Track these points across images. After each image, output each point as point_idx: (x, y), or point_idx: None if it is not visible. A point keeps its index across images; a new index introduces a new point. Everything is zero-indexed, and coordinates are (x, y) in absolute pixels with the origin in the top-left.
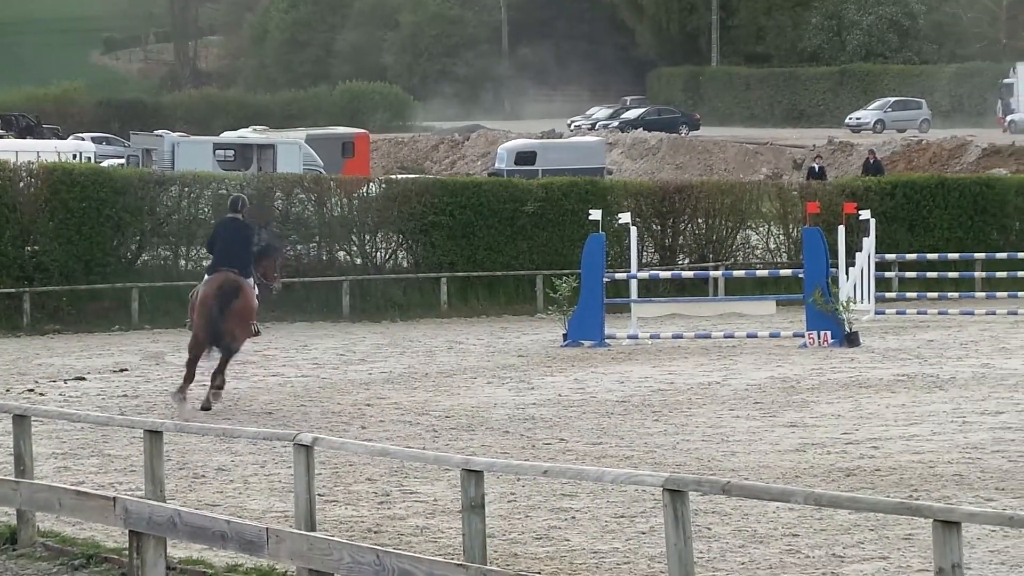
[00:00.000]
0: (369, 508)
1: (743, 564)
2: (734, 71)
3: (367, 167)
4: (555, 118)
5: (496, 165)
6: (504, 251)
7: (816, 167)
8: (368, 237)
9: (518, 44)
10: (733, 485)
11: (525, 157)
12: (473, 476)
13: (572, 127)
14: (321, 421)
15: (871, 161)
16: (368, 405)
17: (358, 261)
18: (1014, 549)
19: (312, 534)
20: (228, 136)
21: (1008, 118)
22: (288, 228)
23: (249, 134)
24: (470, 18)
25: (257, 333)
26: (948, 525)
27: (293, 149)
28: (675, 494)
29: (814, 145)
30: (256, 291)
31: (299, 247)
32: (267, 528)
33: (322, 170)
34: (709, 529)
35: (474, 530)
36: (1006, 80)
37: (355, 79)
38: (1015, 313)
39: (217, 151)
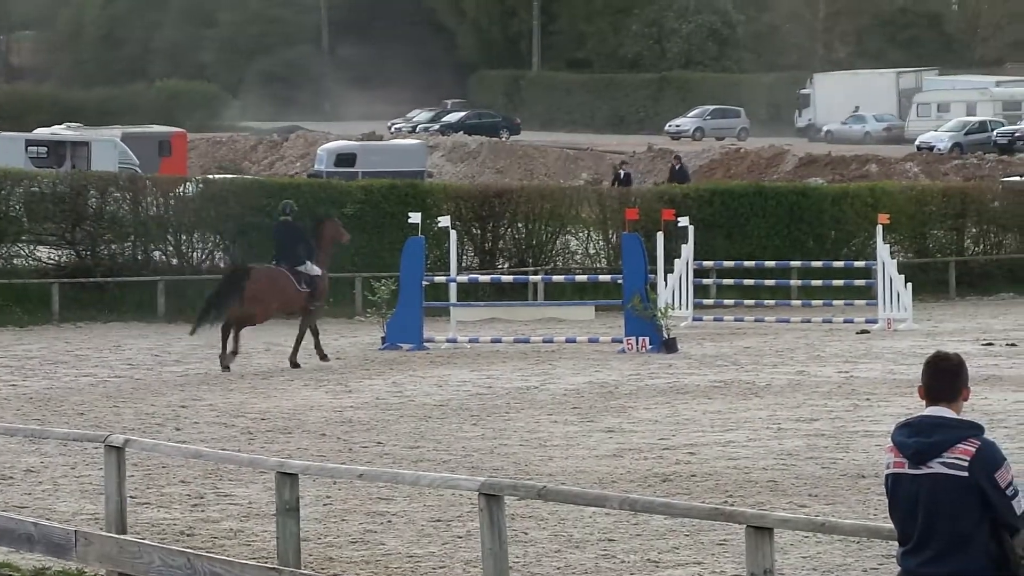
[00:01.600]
0: (182, 511)
1: (559, 569)
2: (555, 76)
3: (184, 166)
4: (376, 120)
5: (316, 167)
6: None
7: (622, 173)
8: (184, 237)
9: (339, 45)
10: (549, 490)
11: (345, 159)
12: (288, 479)
13: (393, 130)
14: (134, 423)
15: (676, 168)
16: (183, 407)
17: (174, 261)
18: (826, 555)
19: (122, 537)
20: (41, 133)
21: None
22: (102, 227)
23: (63, 131)
24: (290, 17)
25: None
26: (760, 531)
27: (108, 147)
28: (491, 498)
29: (634, 152)
30: (320, 274)
31: (113, 246)
32: (75, 531)
33: (138, 169)
34: (526, 534)
35: (288, 533)
36: (803, 91)
37: (173, 77)
38: (830, 321)
39: (29, 148)
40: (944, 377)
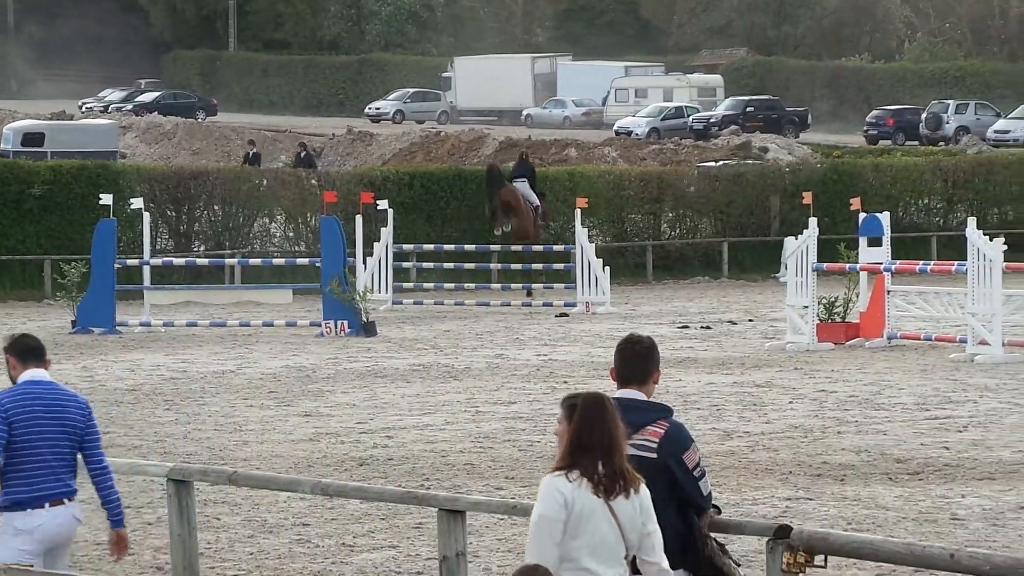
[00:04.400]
0: None
1: (251, 554)
2: (252, 57)
3: None
4: (66, 99)
5: (2, 146)
6: (9, 235)
7: (302, 154)
8: None
9: (25, 22)
10: (240, 475)
11: (32, 138)
12: None
13: (84, 109)
14: None
15: (301, 155)
16: None
17: None
18: (521, 537)
19: None
20: None
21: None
22: None
23: None
24: None
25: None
26: (452, 514)
27: None
28: (180, 484)
29: (333, 134)
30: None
31: None
32: None
33: None
34: (218, 519)
35: None
36: (444, 74)
37: None
38: (529, 305)
39: None
40: (635, 360)
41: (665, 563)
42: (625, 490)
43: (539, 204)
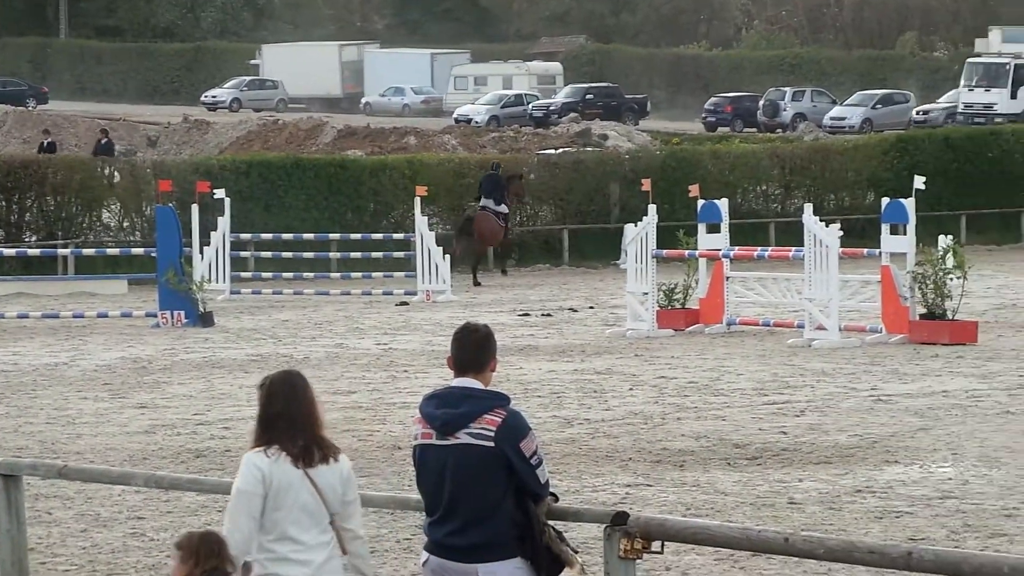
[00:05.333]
0: None
1: (84, 549)
2: (84, 44)
3: None
4: None
5: None
6: None
7: (103, 140)
8: None
9: None
10: (71, 468)
11: None
12: None
13: None
14: None
15: (102, 142)
16: None
17: None
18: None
19: None
20: None
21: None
22: None
23: None
24: None
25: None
26: None
27: None
28: (8, 479)
29: (168, 123)
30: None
31: None
32: None
33: None
34: (50, 514)
35: None
36: (252, 61)
37: None
38: (369, 293)
39: None
40: (471, 348)
41: (362, 531)
42: (324, 459)
43: (507, 212)
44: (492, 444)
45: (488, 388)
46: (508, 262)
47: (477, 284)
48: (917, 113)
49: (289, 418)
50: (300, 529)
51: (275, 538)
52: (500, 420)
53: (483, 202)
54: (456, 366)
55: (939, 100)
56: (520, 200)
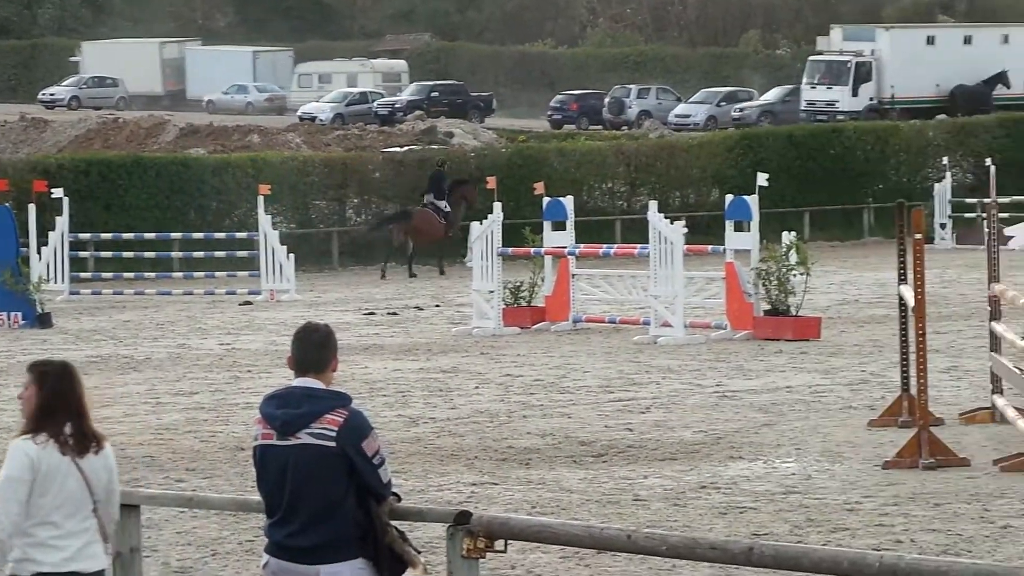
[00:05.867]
0: None
1: None
2: None
3: None
4: None
5: None
6: None
7: None
8: None
9: None
10: None
11: None
12: None
13: None
14: None
15: None
16: None
17: None
18: (202, 529)
19: None
20: None
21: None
22: None
23: None
24: None
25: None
26: (127, 508)
27: None
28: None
29: (5, 121)
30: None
31: None
32: None
33: None
34: None
35: None
36: (72, 58)
37: None
38: (212, 293)
39: None
40: (312, 348)
41: (118, 516)
42: (92, 449)
43: (449, 210)
44: (333, 444)
45: (329, 388)
46: (443, 263)
47: (413, 276)
48: (734, 111)
49: (61, 407)
50: (63, 516)
51: (36, 523)
52: (342, 420)
53: (427, 198)
54: (297, 366)
55: (758, 98)
56: (470, 205)
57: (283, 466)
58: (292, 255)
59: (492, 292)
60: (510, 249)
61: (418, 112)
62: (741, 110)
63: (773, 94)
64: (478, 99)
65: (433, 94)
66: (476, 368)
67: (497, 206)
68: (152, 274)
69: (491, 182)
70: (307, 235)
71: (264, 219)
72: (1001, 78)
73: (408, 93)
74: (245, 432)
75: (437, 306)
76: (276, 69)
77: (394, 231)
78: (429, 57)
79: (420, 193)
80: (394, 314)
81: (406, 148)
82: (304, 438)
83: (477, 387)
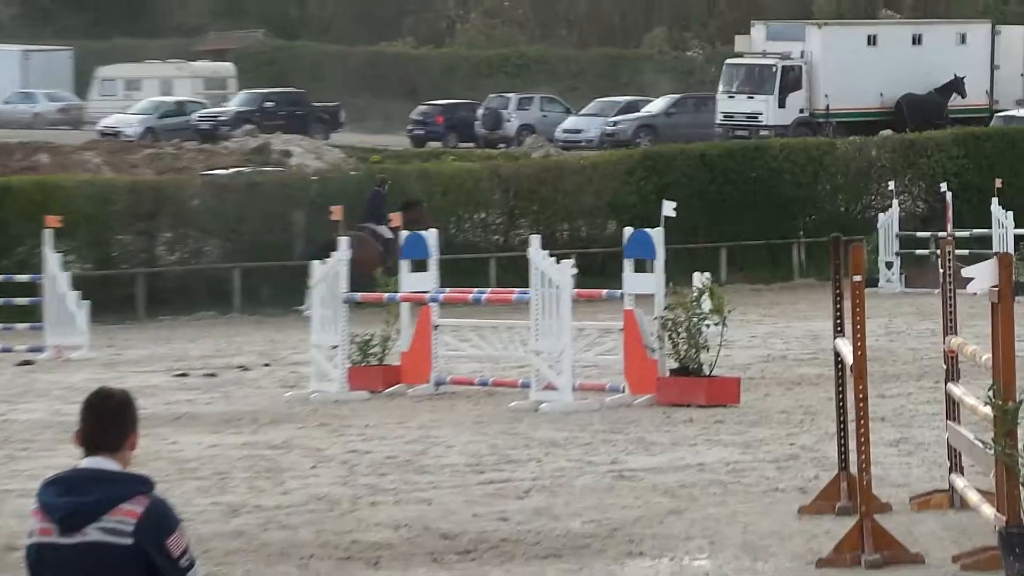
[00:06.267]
0: None
1: None
2: None
3: None
4: None
5: None
6: None
7: None
8: None
9: None
10: None
11: None
12: None
13: None
14: None
15: None
16: None
17: None
18: None
19: None
20: None
21: None
22: None
23: None
24: None
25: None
26: None
27: None
28: None
29: None
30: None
31: None
32: None
33: None
34: None
35: None
36: None
37: None
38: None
39: None
40: (104, 420)
41: None
42: None
43: (391, 236)
44: (130, 541)
45: (127, 471)
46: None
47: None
48: (606, 125)
49: None
50: None
51: None
52: (141, 511)
53: (364, 224)
54: (85, 443)
55: (587, 110)
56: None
57: (64, 571)
58: (86, 302)
59: (335, 347)
60: (358, 294)
61: (248, 126)
62: (615, 124)
63: (657, 105)
64: (322, 110)
65: (267, 104)
66: (314, 443)
67: (344, 241)
68: None
69: (336, 212)
70: (107, 278)
71: (52, 258)
72: (956, 86)
73: (236, 103)
74: (19, 526)
75: (266, 365)
76: (52, 72)
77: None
78: (262, 59)
79: (359, 218)
80: (212, 375)
81: (232, 170)
82: (92, 534)
83: (315, 467)
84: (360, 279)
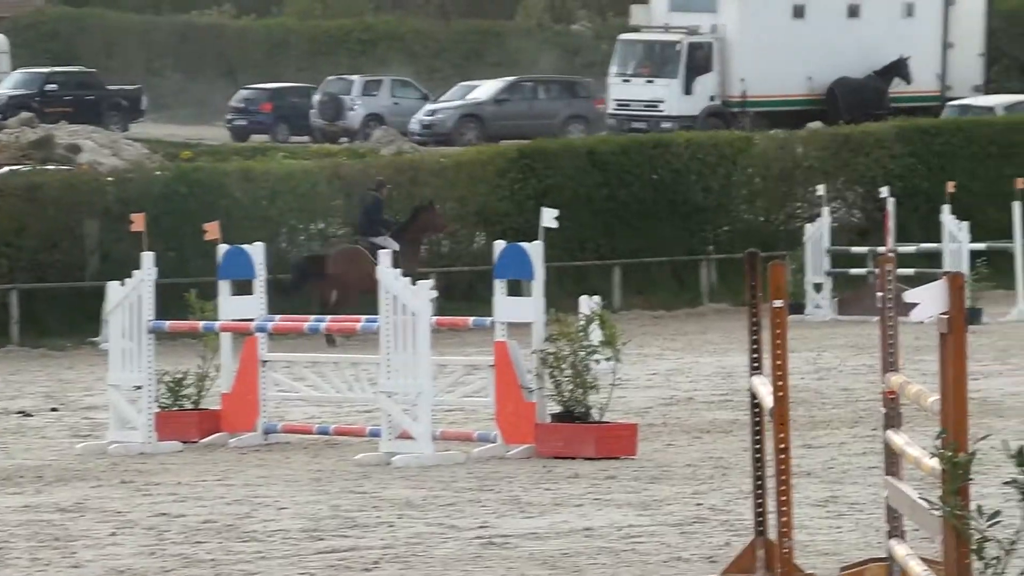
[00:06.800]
0: None
1: None
2: None
3: None
4: None
5: None
6: None
7: None
8: None
9: None
10: None
11: None
12: None
13: None
14: None
15: None
16: None
17: None
18: None
19: None
20: None
21: None
22: None
23: None
24: None
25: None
26: None
27: None
28: None
29: None
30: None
31: None
32: None
33: None
34: None
35: None
36: None
37: None
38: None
39: None
40: None
41: None
42: None
43: (395, 248)
44: None
45: None
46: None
47: (332, 344)
48: (423, 115)
49: None
50: None
51: None
52: None
53: (362, 236)
54: None
55: (447, 97)
56: (438, 235)
57: None
58: None
59: (139, 388)
60: (167, 323)
61: (26, 114)
62: (431, 113)
63: (484, 91)
64: (119, 94)
65: (49, 87)
66: (113, 505)
67: (147, 257)
68: None
69: (138, 221)
70: None
71: None
72: (899, 68)
73: (9, 85)
74: None
75: (54, 410)
76: None
77: (317, 289)
78: (43, 31)
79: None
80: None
81: (6, 169)
82: None
83: (114, 534)
84: (345, 301)
